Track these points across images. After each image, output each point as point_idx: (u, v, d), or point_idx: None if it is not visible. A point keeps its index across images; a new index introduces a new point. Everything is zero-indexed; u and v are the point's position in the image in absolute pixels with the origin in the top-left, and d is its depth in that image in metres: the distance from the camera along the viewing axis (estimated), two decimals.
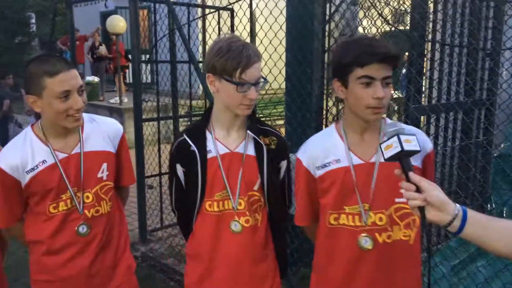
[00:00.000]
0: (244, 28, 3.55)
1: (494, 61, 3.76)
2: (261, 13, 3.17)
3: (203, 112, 5.34)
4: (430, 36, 3.20)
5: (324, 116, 2.80)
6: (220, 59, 1.62)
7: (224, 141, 1.76)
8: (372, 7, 2.93)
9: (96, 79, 11.11)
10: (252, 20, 3.88)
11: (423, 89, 3.23)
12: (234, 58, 1.60)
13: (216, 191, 1.75)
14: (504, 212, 3.94)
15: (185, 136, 1.78)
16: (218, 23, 4.57)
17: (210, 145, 1.75)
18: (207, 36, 5.00)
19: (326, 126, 2.77)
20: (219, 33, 4.69)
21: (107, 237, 1.91)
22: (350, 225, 1.62)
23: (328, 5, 2.66)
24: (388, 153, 1.32)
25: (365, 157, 1.61)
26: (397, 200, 1.57)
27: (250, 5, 3.73)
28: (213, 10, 4.66)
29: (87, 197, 1.84)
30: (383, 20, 2.89)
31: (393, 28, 3.00)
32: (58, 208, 1.80)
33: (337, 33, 2.76)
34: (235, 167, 1.74)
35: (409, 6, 3.07)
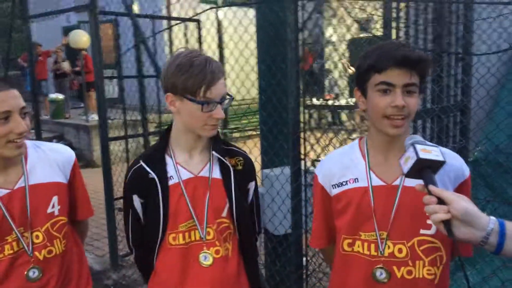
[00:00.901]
0: (214, 39, 3.41)
1: (466, 65, 3.74)
2: (231, 22, 3.03)
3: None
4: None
5: (302, 130, 2.66)
6: (181, 76, 1.46)
7: (186, 165, 1.61)
8: (333, 15, 2.83)
9: (60, 96, 10.72)
10: (220, 30, 3.76)
11: None
12: (197, 75, 1.45)
13: (180, 222, 1.57)
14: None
15: (142, 163, 1.61)
16: (185, 34, 4.41)
17: (171, 170, 1.59)
18: (174, 48, 4.83)
19: (305, 141, 2.63)
20: (186, 45, 4.54)
21: (64, 279, 1.69)
22: (365, 254, 1.45)
23: (300, 13, 2.54)
24: (406, 167, 1.18)
25: (388, 179, 1.44)
26: (422, 231, 1.39)
27: (217, 16, 3.59)
28: (179, 22, 4.49)
29: (37, 237, 1.61)
30: (346, 27, 2.79)
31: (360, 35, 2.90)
32: (3, 252, 1.57)
33: (310, 40, 2.63)
34: (201, 192, 1.59)
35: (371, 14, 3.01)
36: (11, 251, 1.58)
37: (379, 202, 1.43)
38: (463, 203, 1.08)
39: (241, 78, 3.00)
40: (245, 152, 1.74)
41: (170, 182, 1.58)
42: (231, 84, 2.89)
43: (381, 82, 1.35)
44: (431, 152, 1.17)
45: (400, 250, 1.41)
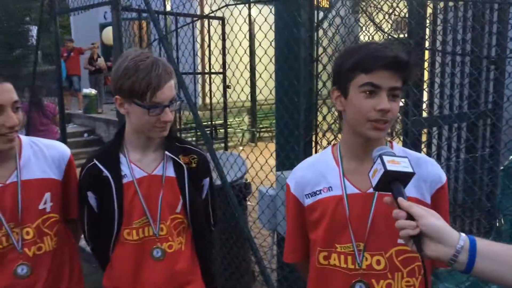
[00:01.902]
0: (236, 37, 3.34)
1: (500, 69, 3.53)
2: (255, 20, 2.95)
3: (204, 123, 5.23)
4: (428, 44, 2.99)
5: (314, 133, 2.56)
6: (127, 80, 1.48)
7: (140, 164, 1.64)
8: (363, 13, 2.70)
9: (93, 91, 10.99)
10: (251, 29, 3.69)
11: (424, 101, 3.01)
12: (143, 79, 1.46)
13: (134, 219, 1.62)
14: None
15: (95, 161, 1.64)
16: (208, 31, 4.37)
17: (125, 169, 1.62)
18: (198, 46, 4.81)
19: (316, 144, 2.53)
20: (209, 43, 4.50)
21: (54, 278, 1.66)
22: (342, 267, 1.36)
23: (315, 12, 2.44)
24: (374, 180, 1.11)
25: (362, 187, 1.35)
26: (400, 241, 1.28)
27: (249, 13, 3.51)
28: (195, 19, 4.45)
29: (27, 233, 1.60)
30: (376, 27, 2.66)
31: (389, 36, 2.76)
32: None
33: (326, 42, 2.53)
34: (154, 191, 1.62)
35: (406, 13, 2.85)
36: (0, 246, 1.56)
37: (354, 211, 1.34)
38: (431, 219, 1.00)
39: (265, 78, 2.90)
40: (199, 149, 1.76)
41: (124, 180, 1.61)
42: (262, 84, 2.81)
43: (367, 83, 1.24)
44: (400, 163, 1.09)
45: (378, 262, 1.33)
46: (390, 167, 1.08)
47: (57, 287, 1.68)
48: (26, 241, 1.59)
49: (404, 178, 1.09)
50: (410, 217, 1.03)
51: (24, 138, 1.67)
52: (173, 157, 1.64)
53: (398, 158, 1.11)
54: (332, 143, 1.48)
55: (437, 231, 0.99)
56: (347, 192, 1.36)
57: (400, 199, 1.05)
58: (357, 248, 1.34)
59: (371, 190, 1.30)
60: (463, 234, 0.99)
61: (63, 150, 1.75)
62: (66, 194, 1.74)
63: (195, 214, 1.70)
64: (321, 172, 1.42)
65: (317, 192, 1.41)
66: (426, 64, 2.97)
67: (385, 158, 1.10)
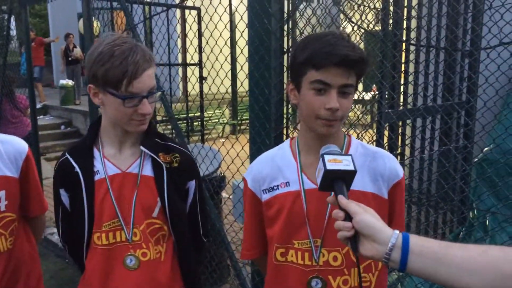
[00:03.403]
0: (216, 27, 3.25)
1: (474, 60, 3.54)
2: (236, 10, 2.87)
3: (183, 115, 5.15)
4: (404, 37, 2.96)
5: (285, 126, 2.52)
6: (101, 67, 1.34)
7: (114, 160, 1.50)
8: (335, 4, 2.66)
9: (70, 82, 10.76)
10: (232, 19, 3.61)
11: (398, 93, 3.00)
12: (117, 66, 1.32)
13: (105, 220, 1.47)
14: (487, 220, 3.73)
15: (67, 155, 1.51)
16: (184, 22, 4.29)
17: (98, 164, 1.49)
18: (177, 36, 4.72)
19: (287, 137, 2.49)
20: (184, 33, 4.42)
21: (10, 278, 1.60)
22: (299, 264, 1.34)
23: (286, 2, 2.39)
24: (318, 179, 1.10)
25: None
26: None
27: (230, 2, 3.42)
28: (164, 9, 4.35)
29: None
30: (346, 18, 2.63)
31: (359, 28, 2.73)
32: None
33: (298, 32, 2.49)
34: (128, 190, 1.48)
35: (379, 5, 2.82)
36: None
37: (311, 207, 1.32)
38: (365, 216, 0.99)
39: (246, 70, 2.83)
40: (184, 148, 1.61)
41: (96, 177, 1.48)
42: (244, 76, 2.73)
43: (316, 80, 1.22)
44: (342, 161, 1.08)
45: (335, 258, 1.31)
46: (330, 166, 1.07)
47: None
48: None
49: (347, 176, 1.08)
50: (349, 216, 1.01)
51: None
52: (151, 154, 1.49)
53: (341, 156, 1.10)
54: (290, 136, 1.44)
55: (371, 227, 0.97)
56: (304, 188, 1.33)
57: (339, 197, 1.04)
58: (314, 244, 1.32)
59: None
60: (396, 231, 0.97)
61: (20, 145, 1.65)
62: (25, 192, 1.66)
63: (176, 220, 1.53)
64: (279, 166, 1.39)
65: (274, 188, 1.38)
66: (402, 56, 2.97)
67: (326, 157, 1.08)
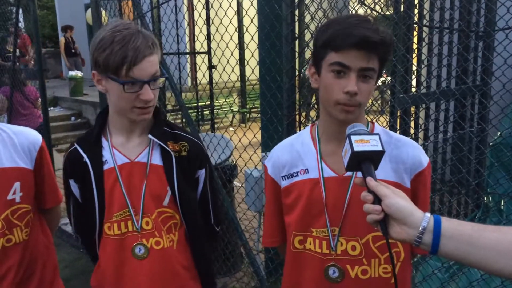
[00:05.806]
0: (226, 14, 3.21)
1: (486, 44, 3.46)
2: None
3: (194, 104, 5.14)
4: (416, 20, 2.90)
5: (297, 113, 2.49)
6: (102, 53, 1.32)
7: (122, 149, 1.49)
8: None
9: (79, 73, 10.79)
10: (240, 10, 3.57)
11: (412, 77, 2.95)
12: (117, 52, 1.30)
13: (115, 210, 1.47)
14: (502, 204, 3.68)
15: (76, 145, 1.51)
16: (193, 9, 4.25)
17: (106, 154, 1.48)
18: (185, 24, 4.68)
19: (300, 124, 2.47)
20: (193, 22, 4.38)
21: (26, 270, 1.60)
22: (317, 252, 1.32)
23: None
24: (345, 160, 1.07)
25: (339, 170, 1.29)
26: None
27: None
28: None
29: None
30: (359, 2, 2.57)
31: (372, 11, 2.67)
32: None
33: (308, 18, 2.44)
34: (137, 179, 1.47)
35: None
36: None
37: (330, 195, 1.29)
38: (396, 199, 0.96)
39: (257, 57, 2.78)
40: (193, 137, 1.59)
41: (105, 167, 1.47)
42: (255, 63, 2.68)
43: (335, 62, 1.18)
44: (369, 142, 1.04)
45: (353, 248, 1.29)
46: (357, 147, 1.04)
47: (28, 280, 1.62)
48: None
49: (375, 156, 1.05)
50: (378, 199, 0.99)
51: None
52: (160, 142, 1.48)
53: (368, 136, 1.06)
54: (303, 123, 1.42)
55: (401, 211, 0.95)
56: (324, 175, 1.30)
57: (368, 179, 1.01)
58: (332, 233, 1.30)
59: (348, 173, 1.27)
60: (427, 214, 0.95)
61: (34, 137, 1.63)
62: (39, 183, 1.65)
63: (187, 209, 1.52)
64: (299, 153, 1.37)
65: (294, 174, 1.36)
66: (415, 40, 2.91)
67: (353, 138, 1.05)
